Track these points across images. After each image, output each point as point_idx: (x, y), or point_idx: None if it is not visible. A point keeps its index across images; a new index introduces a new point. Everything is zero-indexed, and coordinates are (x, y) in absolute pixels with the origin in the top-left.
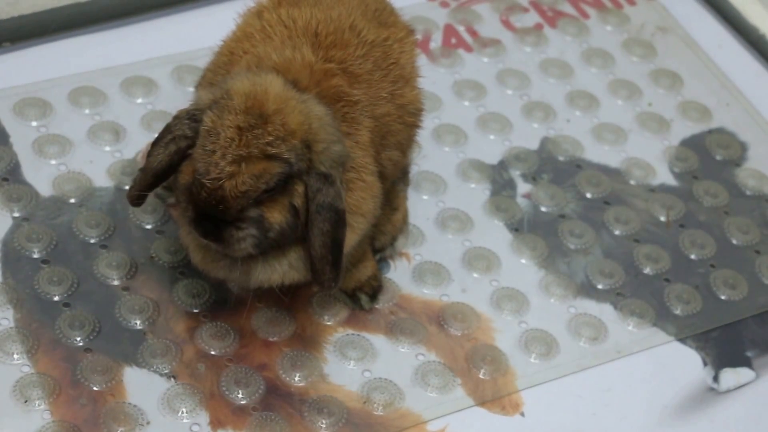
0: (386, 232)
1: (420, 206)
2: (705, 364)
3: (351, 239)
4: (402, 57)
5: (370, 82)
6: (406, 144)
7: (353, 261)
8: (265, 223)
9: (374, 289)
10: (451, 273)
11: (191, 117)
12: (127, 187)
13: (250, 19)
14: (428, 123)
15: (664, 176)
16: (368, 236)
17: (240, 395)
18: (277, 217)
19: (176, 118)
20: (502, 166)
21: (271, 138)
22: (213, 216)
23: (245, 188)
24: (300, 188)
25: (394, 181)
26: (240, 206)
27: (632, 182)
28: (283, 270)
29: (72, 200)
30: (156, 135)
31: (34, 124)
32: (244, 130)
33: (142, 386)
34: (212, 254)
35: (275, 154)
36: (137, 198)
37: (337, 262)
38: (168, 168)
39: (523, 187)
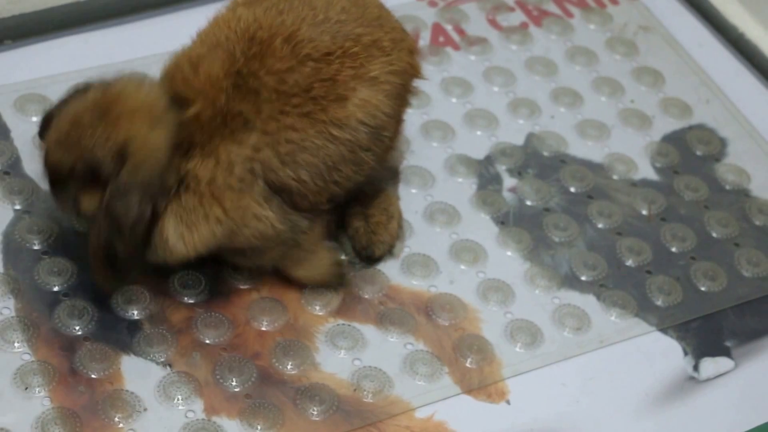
0: (384, 241)
1: (408, 200)
2: (685, 353)
3: (194, 238)
4: (341, 73)
5: (277, 99)
6: (335, 158)
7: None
8: (77, 204)
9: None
10: (439, 265)
11: (79, 86)
12: None
13: (224, 10)
14: (416, 119)
15: (646, 171)
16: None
17: (234, 383)
18: (86, 204)
19: (86, 83)
20: (489, 161)
21: (94, 136)
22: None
23: (55, 163)
24: (110, 192)
25: (381, 185)
26: (53, 176)
27: (615, 177)
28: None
29: None
30: None
31: (34, 119)
32: (80, 118)
33: (139, 374)
34: None
35: (89, 150)
36: (40, 136)
37: (112, 266)
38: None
39: (509, 182)
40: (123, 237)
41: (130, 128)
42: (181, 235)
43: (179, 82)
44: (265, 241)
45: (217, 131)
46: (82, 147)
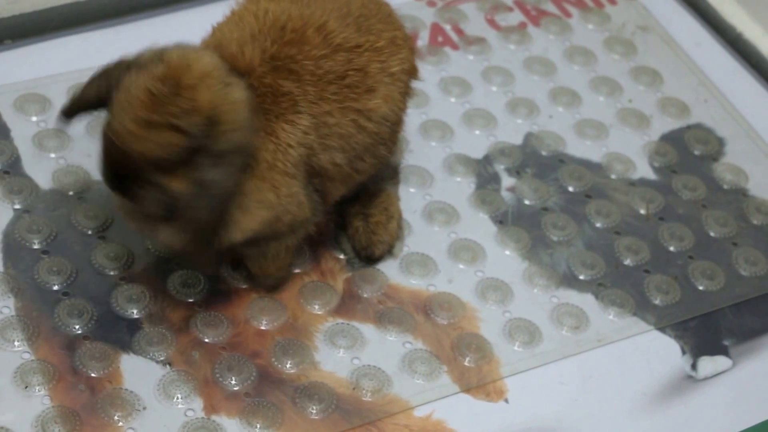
0: (384, 241)
1: (407, 199)
2: (683, 352)
3: (246, 223)
4: (371, 65)
5: (316, 83)
6: (360, 148)
7: (267, 254)
8: (167, 190)
9: (270, 286)
10: (437, 264)
11: (127, 66)
12: None
13: (247, 4)
14: (415, 119)
15: (644, 170)
16: (288, 240)
17: (233, 382)
18: (179, 186)
19: (118, 61)
20: (487, 160)
21: (177, 109)
22: (119, 170)
23: (142, 149)
24: (204, 163)
25: (381, 185)
26: (140, 168)
27: (613, 176)
28: (178, 235)
29: (71, 193)
30: None
31: (34, 119)
32: (155, 95)
33: (139, 373)
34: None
35: (179, 126)
36: (63, 115)
37: (210, 243)
38: (94, 101)
39: (507, 181)
40: (219, 206)
41: (211, 94)
42: (235, 220)
43: (227, 57)
44: (293, 228)
45: (271, 109)
46: (166, 124)
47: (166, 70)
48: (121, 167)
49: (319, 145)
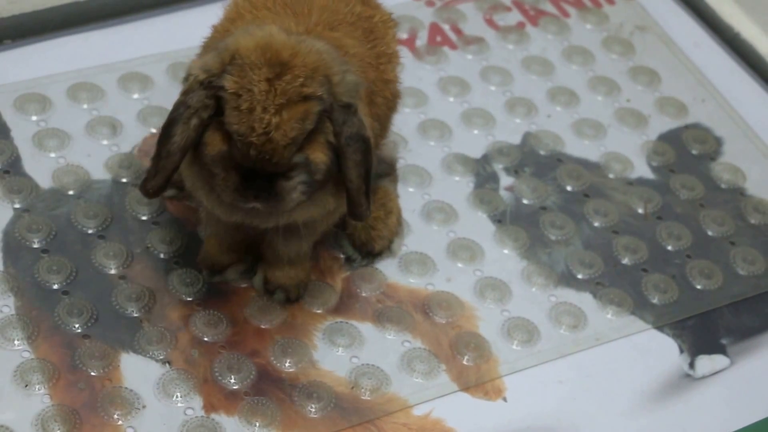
0: (383, 237)
1: (406, 198)
2: (681, 351)
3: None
4: (386, 36)
5: (359, 47)
6: (382, 122)
7: (293, 257)
8: (311, 165)
9: (297, 295)
10: (436, 263)
11: (207, 85)
12: (124, 180)
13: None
14: (414, 118)
15: (642, 170)
16: (315, 237)
17: (232, 380)
18: (320, 156)
19: (187, 92)
20: (486, 159)
21: (301, 79)
22: (259, 174)
23: (294, 134)
24: (329, 124)
25: (378, 181)
26: (291, 153)
27: (611, 176)
28: (319, 207)
29: (71, 192)
30: (152, 130)
31: (34, 118)
32: (274, 80)
33: (138, 371)
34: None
35: (310, 94)
36: (159, 188)
37: (368, 192)
38: (195, 143)
39: (505, 180)
40: (370, 151)
41: (312, 53)
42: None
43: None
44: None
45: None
46: (298, 98)
47: (262, 54)
48: (268, 167)
49: (372, 121)
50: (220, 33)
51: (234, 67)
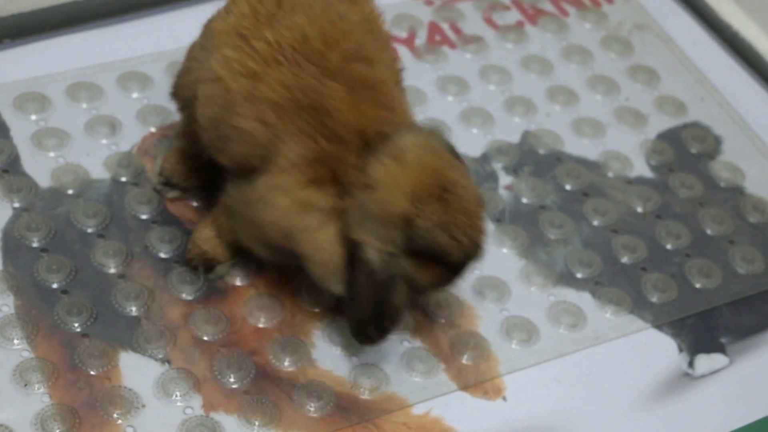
0: None
1: None
2: (680, 350)
3: None
4: (382, 25)
5: (380, 57)
6: None
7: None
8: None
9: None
10: None
11: (400, 253)
12: (124, 179)
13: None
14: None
15: (641, 169)
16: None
17: (232, 379)
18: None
19: (372, 270)
20: (485, 158)
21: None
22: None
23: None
24: None
25: None
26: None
27: (610, 174)
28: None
29: (70, 191)
30: (151, 129)
31: (33, 117)
32: (478, 194)
33: (138, 370)
34: None
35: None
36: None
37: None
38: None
39: (504, 180)
40: None
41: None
42: None
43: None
44: None
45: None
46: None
47: (438, 189)
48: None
49: None
50: (243, 88)
51: (437, 204)
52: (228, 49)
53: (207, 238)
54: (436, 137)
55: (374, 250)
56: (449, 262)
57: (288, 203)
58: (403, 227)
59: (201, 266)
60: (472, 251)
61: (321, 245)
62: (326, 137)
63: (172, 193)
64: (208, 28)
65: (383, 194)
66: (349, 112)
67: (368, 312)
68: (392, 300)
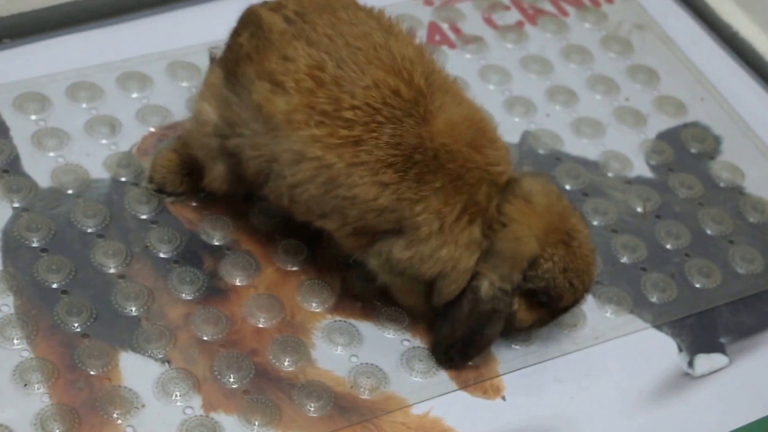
0: None
1: None
2: (680, 350)
3: None
4: (414, 40)
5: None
6: None
7: None
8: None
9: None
10: None
11: (514, 290)
12: (123, 179)
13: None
14: None
15: (641, 169)
16: None
17: (231, 379)
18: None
19: (490, 295)
20: None
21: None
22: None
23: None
24: None
25: None
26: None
27: (610, 174)
28: None
29: (70, 191)
30: (151, 129)
31: (33, 117)
32: (593, 251)
33: (137, 371)
34: None
35: None
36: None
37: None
38: None
39: None
40: None
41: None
42: None
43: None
44: None
45: None
46: None
47: (558, 239)
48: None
49: None
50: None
51: (554, 257)
52: (311, 128)
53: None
54: (552, 181)
55: (488, 283)
56: (557, 305)
57: (459, 252)
58: (527, 267)
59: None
60: (581, 298)
61: (465, 275)
62: (456, 181)
63: (169, 199)
64: (261, 114)
65: (516, 233)
66: (466, 152)
67: (458, 337)
68: (487, 332)
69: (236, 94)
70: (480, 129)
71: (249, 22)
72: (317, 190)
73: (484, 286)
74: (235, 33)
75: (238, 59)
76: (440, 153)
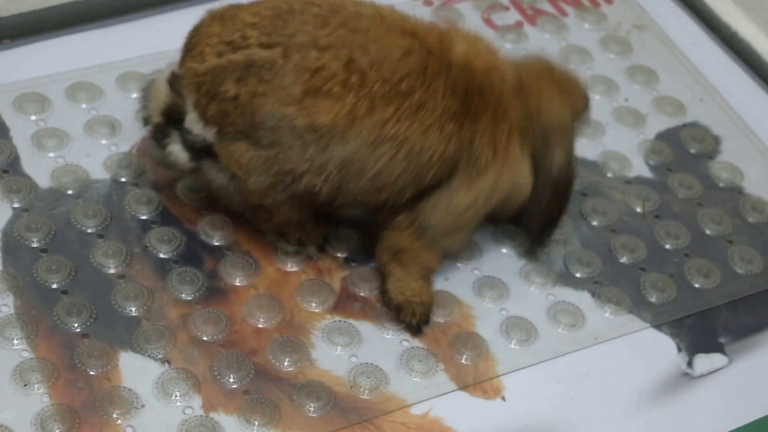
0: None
1: None
2: (679, 350)
3: None
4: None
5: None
6: None
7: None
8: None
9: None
10: None
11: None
12: (123, 179)
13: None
14: None
15: (640, 169)
16: None
17: (231, 379)
18: None
19: (563, 170)
20: None
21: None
22: None
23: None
24: None
25: None
26: None
27: (609, 174)
28: None
29: (70, 191)
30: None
31: (33, 118)
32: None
33: (137, 371)
34: None
35: None
36: None
37: None
38: None
39: None
40: None
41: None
42: None
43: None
44: None
45: None
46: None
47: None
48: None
49: None
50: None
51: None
52: (376, 114)
53: (418, 289)
54: (543, 59)
55: (557, 161)
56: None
57: (515, 170)
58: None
59: (424, 318)
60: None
61: (528, 179)
62: (497, 106)
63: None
64: (316, 130)
65: (550, 111)
66: (492, 77)
67: (550, 217)
68: (569, 199)
69: (271, 145)
70: (486, 51)
71: (223, 74)
72: (399, 166)
73: (555, 165)
74: (212, 94)
75: (245, 109)
76: (484, 87)
